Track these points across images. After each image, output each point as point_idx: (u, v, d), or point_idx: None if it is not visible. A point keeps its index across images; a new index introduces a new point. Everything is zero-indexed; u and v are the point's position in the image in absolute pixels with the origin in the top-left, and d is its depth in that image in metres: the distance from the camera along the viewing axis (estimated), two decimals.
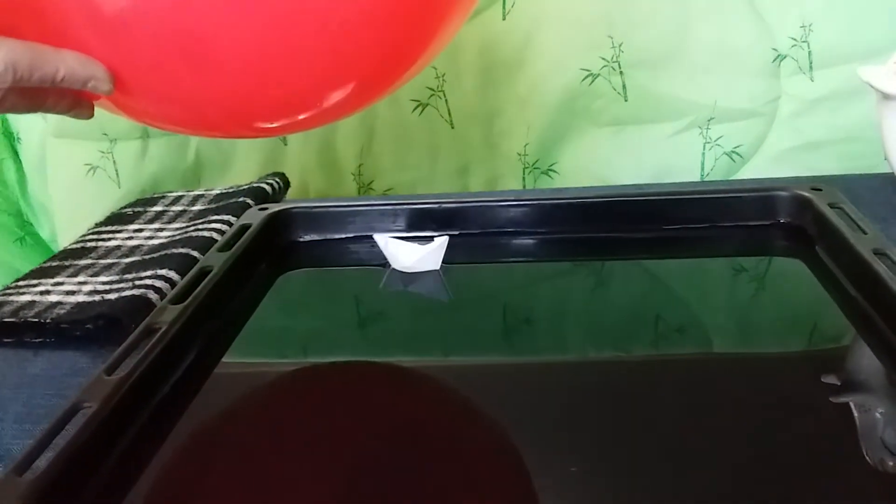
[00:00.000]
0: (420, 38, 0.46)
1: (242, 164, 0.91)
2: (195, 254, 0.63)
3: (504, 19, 0.83)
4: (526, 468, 0.41)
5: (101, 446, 0.42)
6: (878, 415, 0.42)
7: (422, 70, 0.49)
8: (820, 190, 0.60)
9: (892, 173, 0.68)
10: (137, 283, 0.59)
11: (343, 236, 0.66)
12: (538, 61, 0.84)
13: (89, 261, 0.66)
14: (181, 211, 0.75)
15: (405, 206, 0.65)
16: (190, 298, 0.53)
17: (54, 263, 0.66)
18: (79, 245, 0.70)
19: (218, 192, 0.78)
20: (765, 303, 0.56)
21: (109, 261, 0.65)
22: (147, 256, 0.64)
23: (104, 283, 0.61)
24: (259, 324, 0.56)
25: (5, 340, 0.56)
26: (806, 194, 0.60)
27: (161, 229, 0.71)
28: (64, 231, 0.96)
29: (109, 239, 0.70)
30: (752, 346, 0.51)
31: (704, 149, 0.84)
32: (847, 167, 0.79)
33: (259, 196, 0.74)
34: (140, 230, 0.72)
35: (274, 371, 0.54)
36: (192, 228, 0.68)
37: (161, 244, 0.67)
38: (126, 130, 0.91)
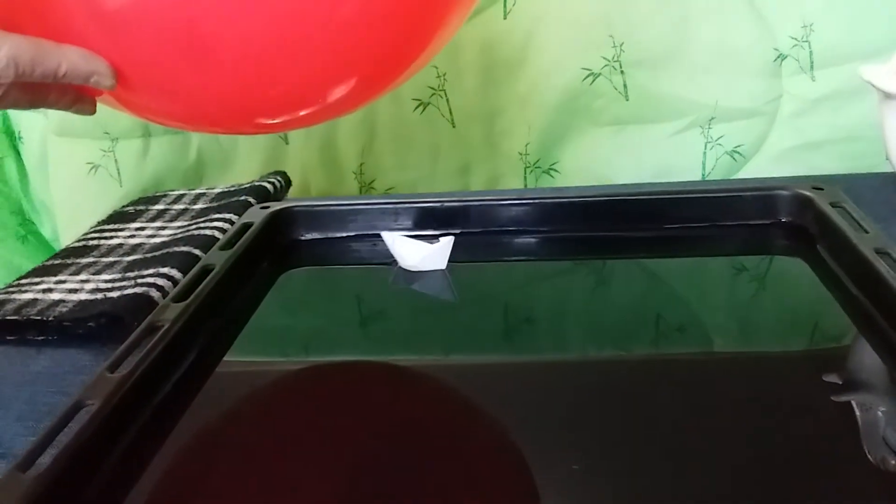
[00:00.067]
0: (421, 35, 0.46)
1: (244, 162, 0.91)
2: (197, 252, 0.63)
3: (505, 18, 0.83)
4: (527, 467, 0.41)
5: (103, 444, 0.42)
6: (879, 413, 0.42)
7: (423, 67, 0.49)
8: (821, 189, 0.60)
9: (894, 172, 0.68)
10: (140, 281, 0.59)
11: (345, 235, 0.66)
12: (539, 60, 0.84)
13: (91, 259, 0.66)
14: (183, 209, 0.75)
15: (407, 205, 0.65)
16: (192, 297, 0.53)
17: (57, 261, 0.66)
18: (81, 243, 0.70)
19: (220, 190, 0.78)
20: (766, 302, 0.56)
21: (111, 259, 0.66)
22: (149, 255, 0.64)
23: (106, 281, 0.61)
24: (261, 322, 0.56)
25: (8, 338, 0.56)
26: (807, 193, 0.60)
27: (163, 228, 0.71)
28: (65, 230, 0.96)
29: (111, 237, 0.71)
30: (753, 345, 0.51)
31: (705, 148, 0.84)
32: (848, 167, 0.79)
33: (261, 195, 0.74)
34: (142, 228, 0.72)
35: (275, 369, 0.54)
36: (194, 227, 0.68)
37: (163, 242, 0.67)
38: (128, 129, 0.91)
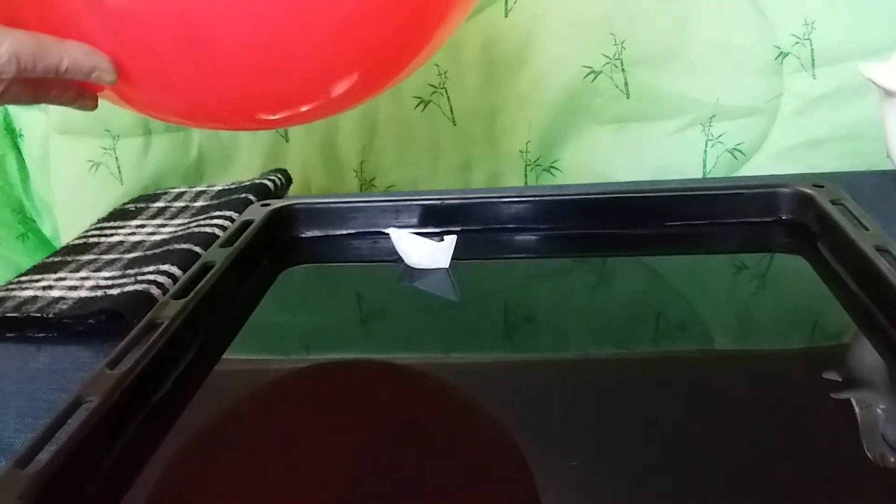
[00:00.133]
0: (422, 31, 0.46)
1: (244, 160, 0.91)
2: (197, 249, 0.63)
3: (506, 16, 0.83)
4: (528, 466, 0.41)
5: (102, 441, 0.42)
6: (879, 411, 0.42)
7: (424, 63, 0.49)
8: (822, 186, 0.60)
9: (894, 170, 0.68)
10: (140, 278, 0.59)
11: (345, 232, 0.66)
12: (540, 58, 0.84)
13: (92, 256, 0.66)
14: (183, 207, 0.75)
15: (407, 203, 0.65)
16: (192, 294, 0.53)
17: (57, 259, 0.66)
18: (81, 240, 0.70)
19: (220, 188, 0.78)
20: (766, 299, 0.56)
21: (112, 256, 0.66)
22: (149, 252, 0.64)
23: (106, 279, 0.61)
24: (261, 320, 0.56)
25: (8, 335, 0.56)
26: (808, 191, 0.60)
27: (163, 225, 0.71)
28: (66, 227, 0.96)
29: (112, 234, 0.71)
30: (753, 343, 0.51)
31: (706, 146, 0.84)
32: (849, 165, 0.79)
33: (261, 192, 0.74)
34: (142, 226, 0.72)
35: (275, 367, 0.54)
36: (195, 224, 0.68)
37: (163, 240, 0.67)
38: (128, 127, 0.91)
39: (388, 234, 0.62)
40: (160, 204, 0.77)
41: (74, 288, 0.60)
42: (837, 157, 0.81)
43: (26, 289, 0.61)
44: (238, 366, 0.52)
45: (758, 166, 0.84)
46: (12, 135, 0.98)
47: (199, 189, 0.79)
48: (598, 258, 0.63)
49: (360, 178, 0.92)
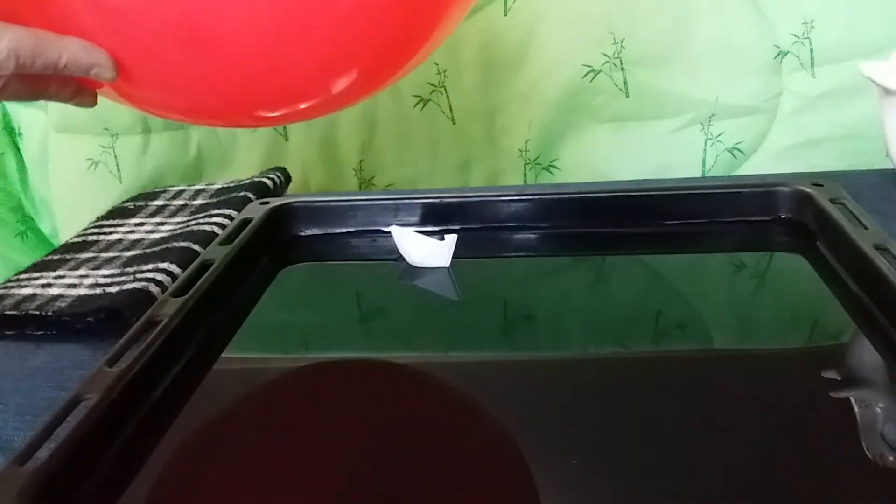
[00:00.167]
0: (422, 28, 0.46)
1: (243, 159, 0.91)
2: (196, 247, 0.63)
3: (506, 15, 0.83)
4: (527, 465, 0.41)
5: (101, 438, 0.42)
6: (878, 410, 0.42)
7: (423, 62, 0.49)
8: (821, 185, 0.60)
9: (894, 169, 0.68)
10: (139, 276, 0.59)
11: (344, 231, 0.66)
12: (539, 57, 0.84)
13: (91, 254, 0.66)
14: (182, 205, 0.75)
15: (406, 201, 0.65)
16: (191, 292, 0.53)
17: (56, 257, 0.66)
18: (80, 239, 0.70)
19: (219, 186, 0.78)
20: (766, 298, 0.56)
21: (111, 254, 0.66)
22: (148, 250, 0.64)
23: (105, 277, 0.61)
24: (260, 318, 0.56)
25: (7, 333, 0.56)
26: (807, 190, 0.60)
27: (162, 223, 0.71)
28: (65, 226, 0.96)
29: (111, 233, 0.71)
30: (752, 342, 0.51)
31: (706, 145, 0.84)
32: (848, 164, 0.79)
33: (260, 190, 0.74)
34: (141, 224, 0.72)
35: (274, 366, 0.54)
36: (194, 222, 0.68)
37: (162, 238, 0.67)
38: (127, 125, 0.91)
39: (387, 232, 0.62)
40: (159, 202, 0.77)
41: (73, 286, 0.60)
42: (837, 156, 0.81)
43: (25, 287, 0.61)
44: (237, 364, 0.52)
45: (757, 165, 0.84)
46: (11, 133, 0.98)
47: (198, 187, 0.79)
48: (598, 257, 0.63)
49: (359, 176, 0.92)
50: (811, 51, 0.79)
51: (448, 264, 0.59)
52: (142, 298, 0.56)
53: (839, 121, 0.81)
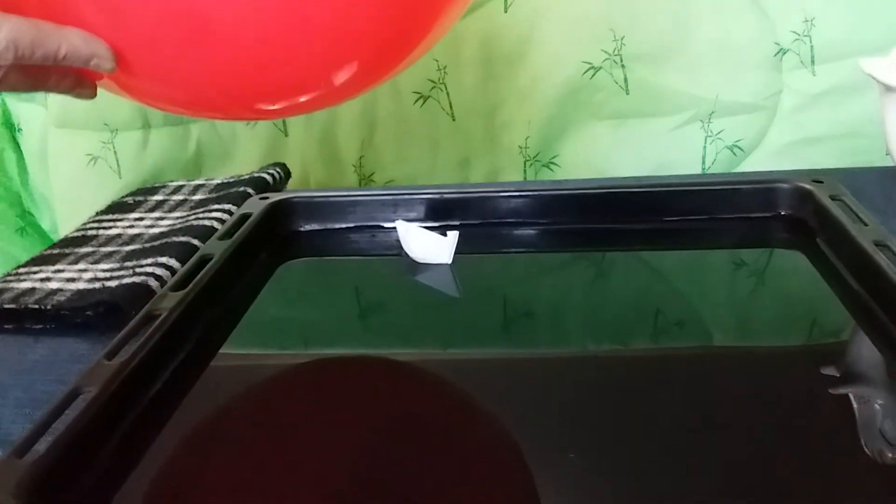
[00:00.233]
0: (422, 19, 0.46)
1: (243, 155, 0.91)
2: (196, 242, 0.63)
3: (506, 12, 0.83)
4: (525, 462, 0.40)
5: (100, 431, 0.42)
6: (877, 406, 0.42)
7: (425, 53, 0.49)
8: (821, 182, 0.60)
9: (894, 166, 0.68)
10: (138, 270, 0.59)
11: (344, 226, 0.66)
12: (539, 54, 0.84)
13: (90, 248, 0.66)
14: (182, 200, 0.75)
15: (406, 197, 0.65)
16: (190, 286, 0.53)
17: (55, 251, 0.66)
18: (79, 233, 0.70)
19: (219, 181, 0.78)
20: (765, 295, 0.56)
21: (110, 249, 0.65)
22: (148, 244, 0.64)
23: (105, 271, 0.61)
24: (259, 313, 0.56)
25: (6, 327, 0.56)
26: (807, 186, 0.60)
27: (162, 218, 0.71)
28: (64, 222, 0.96)
29: (110, 227, 0.70)
30: (752, 339, 0.51)
31: (705, 143, 0.84)
32: (848, 162, 0.79)
33: (260, 186, 0.74)
34: (141, 219, 0.72)
35: (273, 361, 0.54)
36: (193, 217, 0.68)
37: (162, 232, 0.67)
38: (127, 121, 0.91)
39: (386, 227, 0.62)
40: (158, 197, 0.77)
41: (72, 280, 0.60)
42: (837, 154, 0.82)
43: (24, 280, 0.61)
44: (236, 360, 0.52)
45: (757, 163, 0.84)
46: (11, 129, 0.98)
47: (197, 182, 0.79)
48: (597, 253, 0.63)
49: (359, 173, 0.92)
50: (811, 48, 0.79)
51: (450, 261, 0.59)
52: (141, 293, 0.56)
53: (839, 118, 0.81)
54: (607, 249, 0.63)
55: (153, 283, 0.57)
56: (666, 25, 0.81)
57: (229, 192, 0.72)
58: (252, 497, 0.39)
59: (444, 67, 0.86)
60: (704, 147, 0.84)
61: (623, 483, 0.38)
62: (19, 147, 0.99)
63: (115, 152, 0.92)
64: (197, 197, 0.75)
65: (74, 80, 0.45)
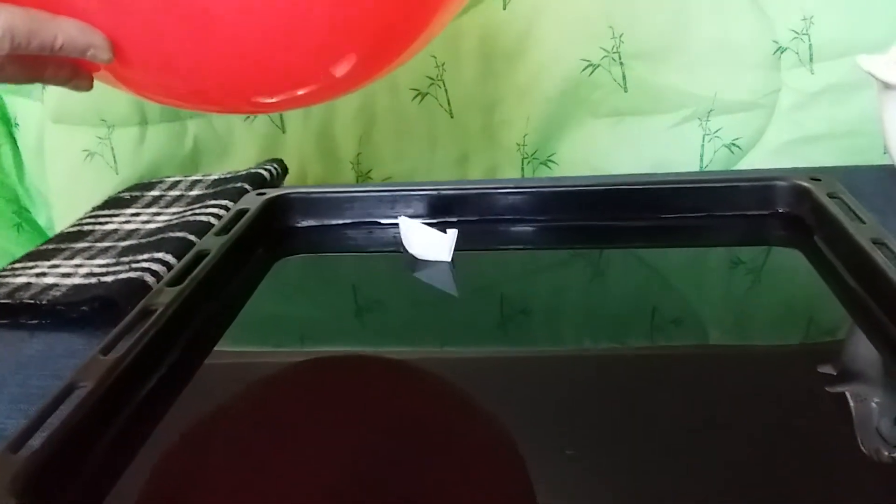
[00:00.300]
0: (421, 12, 0.46)
1: (240, 151, 0.91)
2: (192, 238, 0.63)
3: (504, 9, 0.83)
4: (523, 460, 0.40)
5: (95, 426, 0.42)
6: (874, 405, 0.42)
7: (423, 47, 0.49)
8: (819, 180, 0.60)
9: (892, 165, 0.68)
10: (134, 265, 0.59)
11: (341, 222, 0.66)
12: (538, 51, 0.84)
13: (86, 244, 0.66)
14: (179, 195, 0.75)
15: (404, 193, 0.65)
16: (186, 281, 0.52)
17: (51, 246, 0.66)
18: (76, 228, 0.70)
19: (216, 177, 0.77)
20: (762, 292, 0.56)
21: (106, 244, 0.65)
22: (144, 240, 0.64)
23: (100, 266, 0.61)
24: (255, 309, 0.56)
25: (1, 322, 0.56)
26: (805, 184, 0.60)
27: (158, 213, 0.71)
28: (61, 218, 0.95)
29: (106, 223, 0.70)
30: (749, 336, 0.51)
31: (704, 141, 0.84)
32: (846, 161, 0.79)
33: (257, 181, 0.74)
34: (137, 214, 0.72)
35: (269, 359, 0.54)
36: (190, 213, 0.68)
37: (158, 228, 0.67)
38: (124, 116, 0.90)
39: (384, 224, 0.61)
40: (155, 192, 0.76)
41: (68, 275, 0.60)
42: (835, 152, 0.81)
43: (20, 276, 0.60)
44: (232, 356, 0.52)
45: (755, 161, 0.84)
46: (7, 124, 0.98)
47: (194, 178, 0.79)
48: (595, 250, 0.63)
49: (356, 169, 0.91)
50: (810, 47, 0.79)
51: (449, 258, 0.59)
52: (137, 288, 0.56)
53: (838, 117, 0.80)
54: (605, 246, 0.63)
55: (149, 278, 0.57)
56: (665, 23, 0.81)
57: (226, 188, 0.72)
58: (248, 494, 0.39)
59: (443, 64, 0.85)
60: (702, 145, 0.84)
61: (620, 481, 0.38)
62: (16, 142, 0.98)
63: (111, 148, 0.92)
64: (194, 193, 0.75)
65: (71, 71, 0.45)
